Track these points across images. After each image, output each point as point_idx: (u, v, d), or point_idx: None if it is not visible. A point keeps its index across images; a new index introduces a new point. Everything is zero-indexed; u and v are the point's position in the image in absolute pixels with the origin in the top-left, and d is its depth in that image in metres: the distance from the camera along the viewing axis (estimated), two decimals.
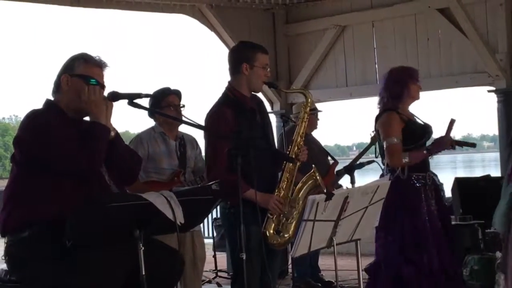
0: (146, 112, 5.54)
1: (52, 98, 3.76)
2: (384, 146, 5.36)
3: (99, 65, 3.74)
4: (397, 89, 5.38)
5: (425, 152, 5.41)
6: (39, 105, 3.78)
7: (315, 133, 7.56)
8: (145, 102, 3.74)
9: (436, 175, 5.59)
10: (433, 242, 5.33)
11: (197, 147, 5.67)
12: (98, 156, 3.59)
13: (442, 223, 5.47)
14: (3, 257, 3.64)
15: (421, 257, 5.29)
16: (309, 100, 4.78)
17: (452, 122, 5.47)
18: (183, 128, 5.62)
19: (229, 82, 4.70)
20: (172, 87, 5.60)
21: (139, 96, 3.67)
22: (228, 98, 4.64)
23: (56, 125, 3.60)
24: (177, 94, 5.57)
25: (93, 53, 3.78)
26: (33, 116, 3.68)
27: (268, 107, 10.03)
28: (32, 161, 3.59)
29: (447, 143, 5.43)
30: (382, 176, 5.38)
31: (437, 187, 5.56)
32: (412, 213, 5.34)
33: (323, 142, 7.82)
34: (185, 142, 5.59)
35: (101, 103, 3.64)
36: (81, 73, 3.68)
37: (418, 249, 5.30)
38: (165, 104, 5.46)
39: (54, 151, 3.52)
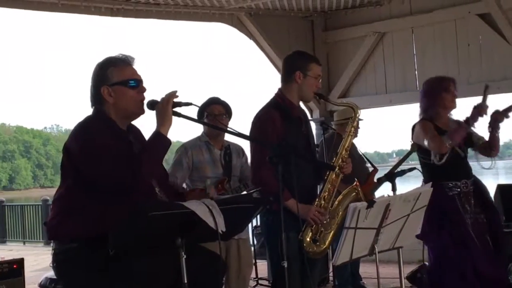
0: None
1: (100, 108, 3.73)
2: (427, 145, 5.31)
3: (128, 63, 3.73)
4: (429, 100, 5.43)
5: (464, 124, 5.31)
6: (80, 115, 3.77)
7: (355, 141, 7.52)
8: (187, 111, 3.72)
9: (479, 180, 5.47)
10: (471, 250, 5.24)
11: (243, 156, 5.71)
12: (152, 168, 3.61)
13: (489, 229, 5.37)
14: (51, 264, 3.67)
15: (458, 264, 5.22)
16: (358, 114, 4.76)
17: (486, 87, 5.37)
18: (231, 138, 5.68)
19: (279, 89, 4.72)
20: (212, 96, 5.69)
21: (179, 104, 3.67)
22: (277, 103, 4.66)
23: (106, 138, 3.58)
24: (221, 104, 5.63)
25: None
26: (84, 126, 3.66)
27: (307, 115, 10.10)
28: (79, 172, 3.58)
29: (483, 110, 5.28)
30: None
31: (482, 193, 5.45)
32: (450, 221, 5.28)
33: (362, 150, 7.78)
34: (231, 151, 5.64)
35: (170, 114, 3.62)
36: (119, 80, 3.67)
37: (456, 257, 5.24)
38: (206, 113, 5.52)
39: (99, 167, 3.50)
